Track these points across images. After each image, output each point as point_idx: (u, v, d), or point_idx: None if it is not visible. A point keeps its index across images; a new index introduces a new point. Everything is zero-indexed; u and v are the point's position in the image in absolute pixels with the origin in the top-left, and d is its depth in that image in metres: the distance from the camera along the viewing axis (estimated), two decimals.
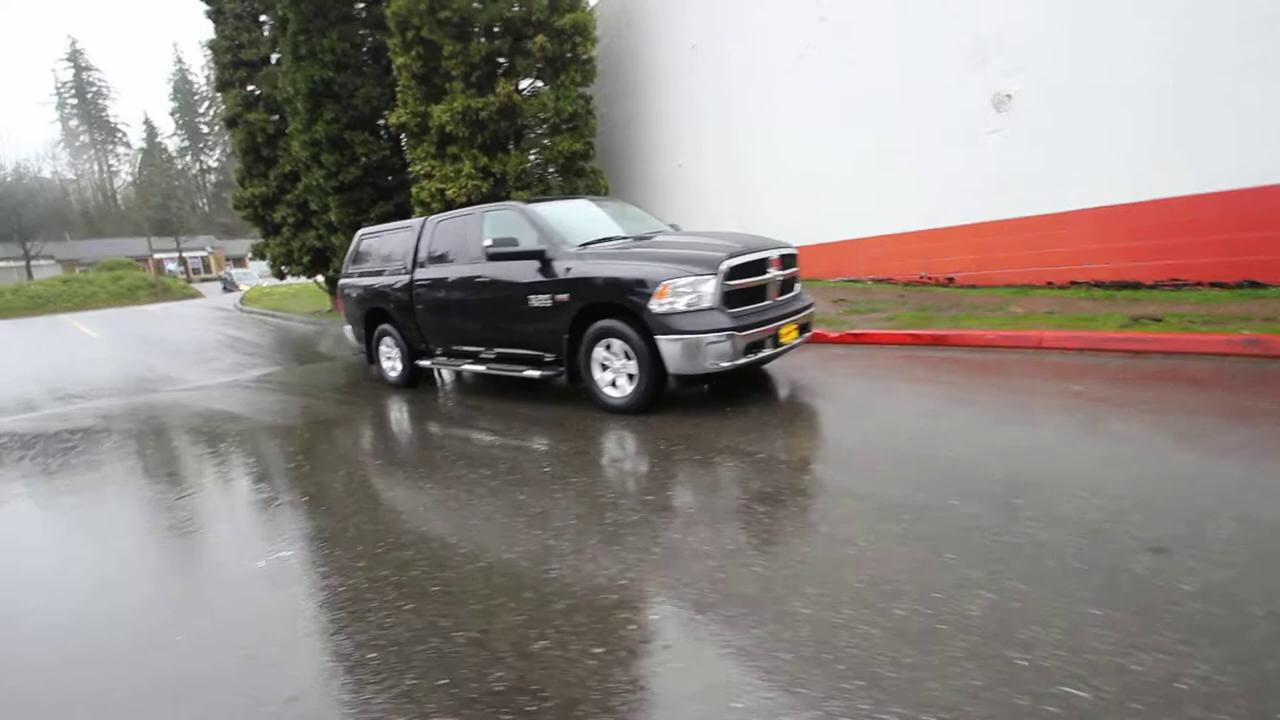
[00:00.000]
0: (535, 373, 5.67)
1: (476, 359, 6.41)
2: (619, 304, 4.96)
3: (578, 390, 6.02)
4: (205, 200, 70.73)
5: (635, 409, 5.02)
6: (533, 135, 12.97)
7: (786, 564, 2.48)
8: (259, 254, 18.51)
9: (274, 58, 16.71)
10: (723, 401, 5.11)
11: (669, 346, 4.69)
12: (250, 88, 16.91)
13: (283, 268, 17.64)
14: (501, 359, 6.15)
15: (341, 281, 7.98)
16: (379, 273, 7.32)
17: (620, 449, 4.28)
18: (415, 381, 7.30)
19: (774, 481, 3.34)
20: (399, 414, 6.08)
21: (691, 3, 12.35)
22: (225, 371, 10.18)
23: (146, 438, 5.95)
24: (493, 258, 5.55)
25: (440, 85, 12.79)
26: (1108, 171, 7.05)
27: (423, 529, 3.16)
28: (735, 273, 4.80)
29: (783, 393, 5.29)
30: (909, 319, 7.32)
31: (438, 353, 6.87)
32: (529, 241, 5.53)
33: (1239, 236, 6.23)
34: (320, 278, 18.34)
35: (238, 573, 2.88)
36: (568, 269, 5.24)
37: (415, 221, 7.04)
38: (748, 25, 11.09)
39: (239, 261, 53.40)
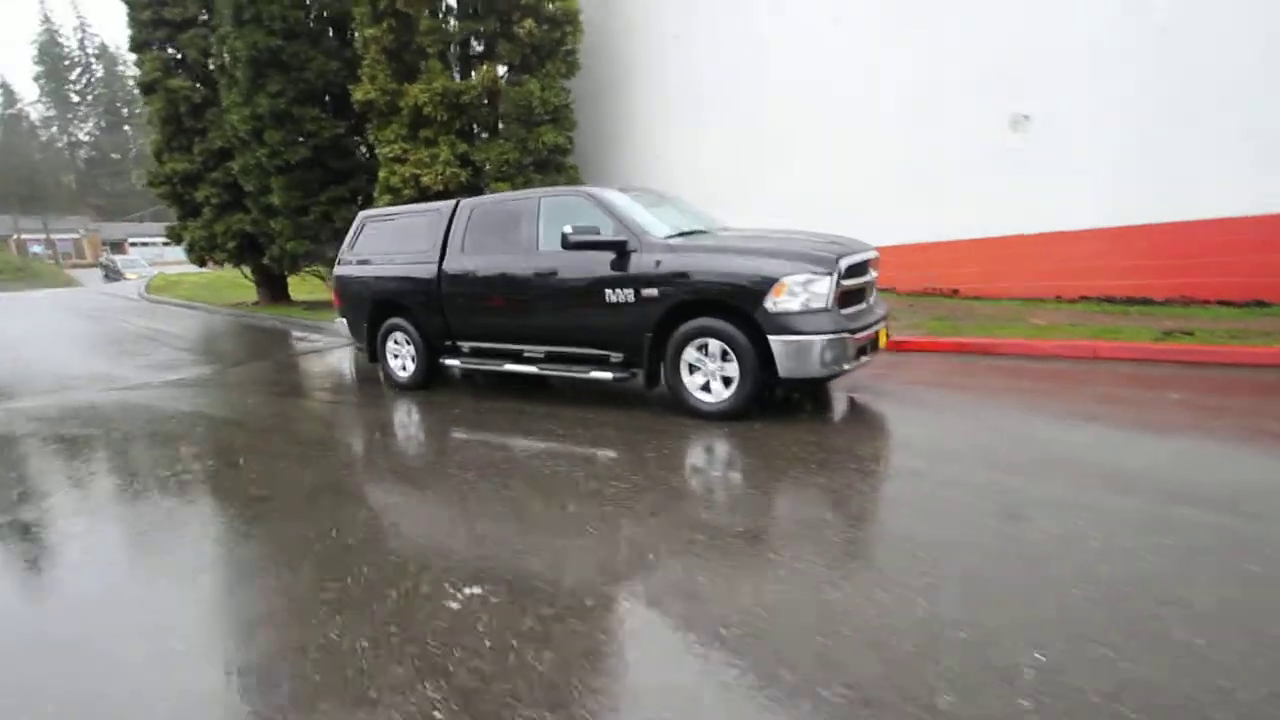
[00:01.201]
0: (606, 374, 5.18)
1: (520, 358, 5.83)
2: (723, 301, 4.61)
3: (620, 392, 5.59)
4: (73, 178, 63.02)
5: (731, 415, 4.65)
6: (510, 125, 12.28)
7: (1098, 580, 2.24)
8: (174, 237, 16.49)
9: (203, 17, 14.97)
10: (804, 410, 4.86)
11: (784, 348, 4.38)
12: (172, 50, 15.05)
13: (204, 254, 15.79)
14: (554, 358, 5.61)
15: (338, 271, 7.08)
16: (391, 260, 6.54)
17: (758, 459, 3.89)
18: (430, 383, 6.56)
19: (975, 492, 3.10)
20: (443, 420, 5.39)
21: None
22: (164, 368, 8.83)
23: (136, 446, 4.94)
24: (573, 247, 5.01)
25: (412, 63, 11.88)
26: (1120, 194, 7.44)
27: (629, 555, 2.67)
28: (848, 273, 4.58)
29: (866, 399, 5.09)
30: (935, 328, 7.38)
31: (466, 350, 6.19)
32: (606, 232, 5.06)
33: (1246, 259, 6.73)
34: (248, 267, 16.58)
35: (437, 618, 2.28)
36: (657, 262, 4.81)
37: (443, 205, 6.34)
38: (748, 20, 10.99)
39: (118, 246, 47.89)
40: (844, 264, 4.53)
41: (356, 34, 11.99)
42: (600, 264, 5.06)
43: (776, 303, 4.40)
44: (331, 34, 13.84)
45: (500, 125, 12.47)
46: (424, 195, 11.39)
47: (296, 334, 12.18)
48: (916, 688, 1.79)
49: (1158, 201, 7.21)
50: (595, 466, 3.82)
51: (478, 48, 12.45)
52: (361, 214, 7.12)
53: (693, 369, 4.81)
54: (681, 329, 4.76)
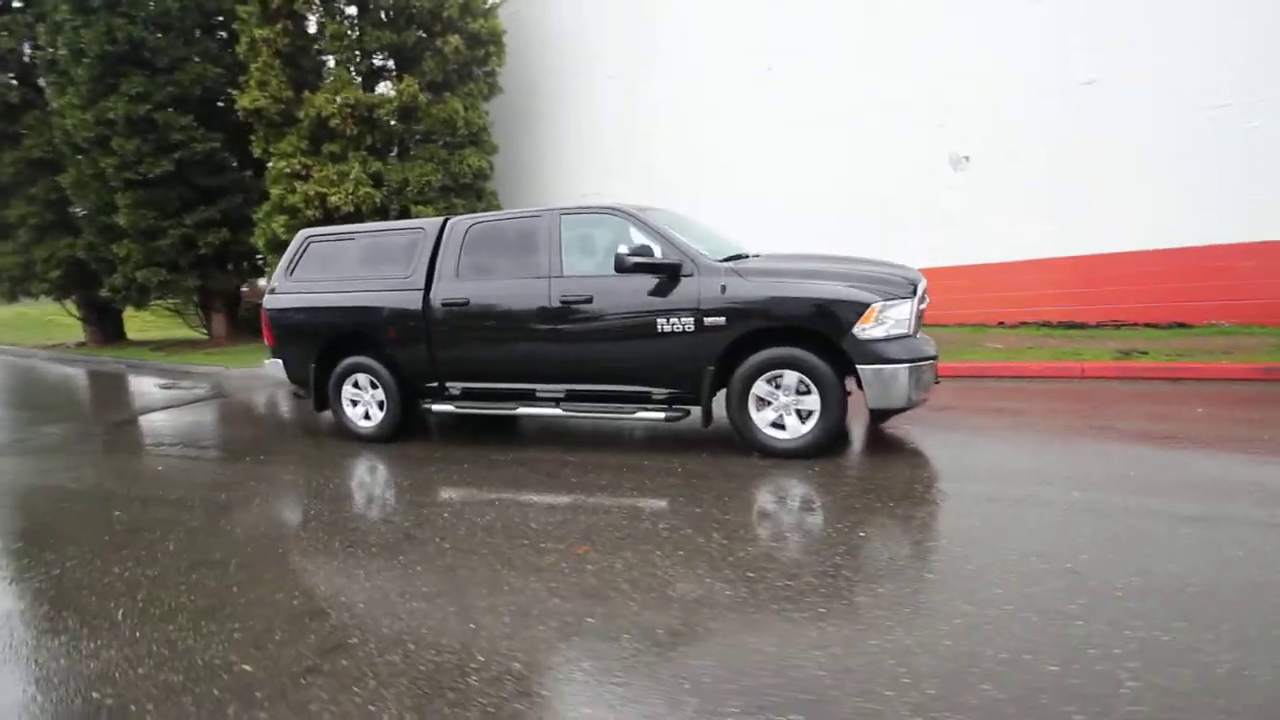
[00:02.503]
0: (656, 414, 4.55)
1: (533, 398, 5.02)
2: (802, 329, 4.22)
3: (636, 432, 5.00)
4: None
5: (809, 452, 4.23)
6: (428, 146, 11.24)
7: None
8: None
9: (18, 4, 12.33)
10: (862, 444, 4.59)
11: (876, 376, 4.06)
12: None
13: (15, 285, 12.75)
14: (578, 397, 4.88)
15: (272, 301, 5.79)
16: (353, 287, 5.45)
17: (899, 500, 3.45)
18: (401, 433, 5.50)
19: (1181, 524, 2.91)
20: (467, 480, 4.39)
21: (612, 31, 11.90)
22: None
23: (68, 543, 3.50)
24: (631, 270, 4.38)
25: (311, 69, 10.56)
26: (1054, 228, 8.15)
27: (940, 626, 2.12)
28: (921, 296, 4.41)
29: (914, 431, 4.85)
30: None
31: (455, 393, 5.25)
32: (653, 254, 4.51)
33: (1166, 286, 7.58)
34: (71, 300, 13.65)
35: None
36: (722, 287, 4.32)
37: (426, 222, 5.41)
38: (683, 62, 10.97)
39: None
40: (921, 287, 4.36)
41: (242, 35, 10.39)
42: (645, 290, 4.49)
43: (865, 329, 4.08)
44: (200, 34, 11.96)
45: (410, 145, 11.39)
46: (330, 216, 10.02)
47: (158, 380, 10.09)
48: None
49: (1085, 235, 7.98)
50: (731, 526, 3.18)
51: (379, 61, 11.31)
52: (303, 233, 5.93)
53: (763, 403, 4.35)
54: (752, 360, 4.28)
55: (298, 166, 10.00)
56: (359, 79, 10.72)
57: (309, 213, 9.90)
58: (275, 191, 10.18)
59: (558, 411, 4.87)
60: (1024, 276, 8.46)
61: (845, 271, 4.40)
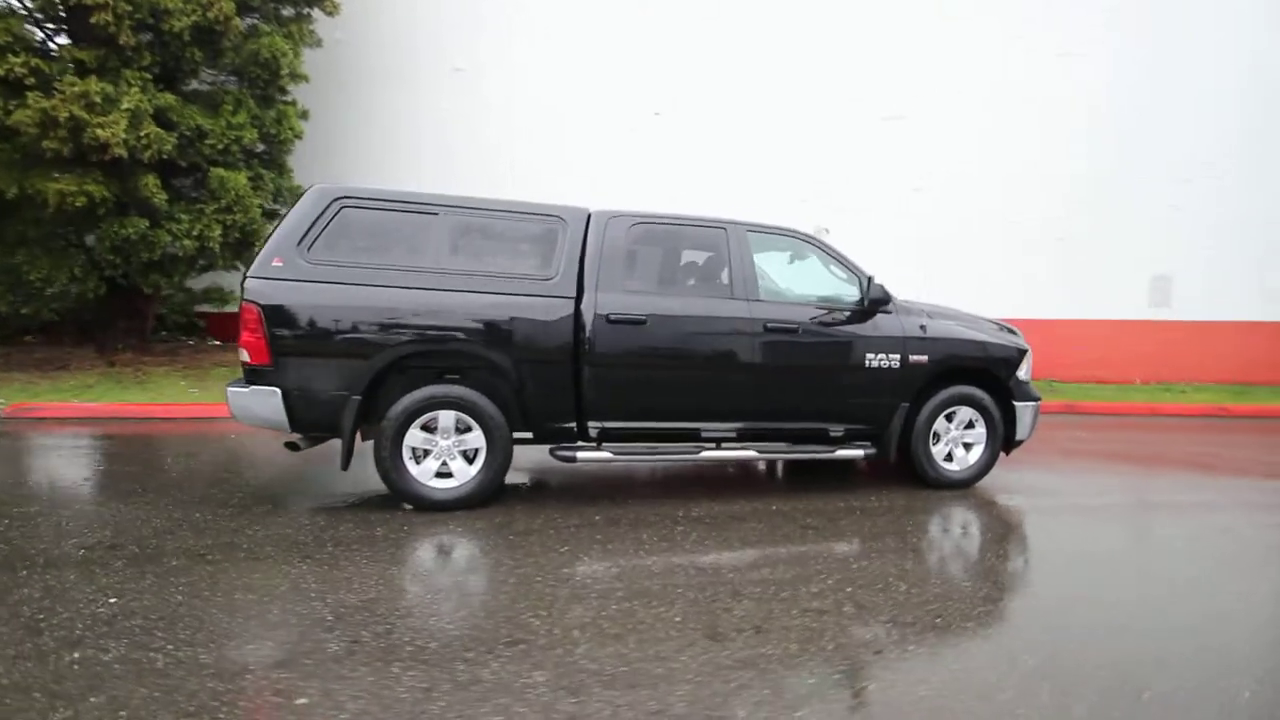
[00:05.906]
0: (855, 452, 4.42)
1: (696, 439, 4.27)
2: (980, 369, 4.67)
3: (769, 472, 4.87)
4: None
5: (972, 482, 4.71)
6: (234, 91, 8.23)
7: None
8: None
9: None
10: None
11: (1025, 413, 4.75)
12: None
13: None
14: (752, 436, 4.37)
15: (274, 290, 3.60)
16: (445, 285, 3.82)
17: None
18: (495, 495, 4.02)
19: None
20: (738, 540, 3.48)
21: (463, 18, 10.51)
22: None
23: None
24: (876, 299, 4.22)
25: None
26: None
27: None
28: None
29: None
30: None
31: (593, 434, 4.11)
32: (850, 287, 4.44)
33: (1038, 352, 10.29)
34: None
35: None
36: (922, 326, 4.50)
37: (560, 209, 4.09)
38: (552, 80, 10.37)
39: None
40: None
41: None
42: (850, 322, 4.40)
43: (1022, 371, 4.78)
44: None
45: (197, 82, 8.14)
46: (83, 156, 6.47)
47: None
48: None
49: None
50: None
51: None
52: (325, 190, 3.88)
53: (936, 437, 4.64)
54: (939, 396, 4.55)
55: (21, 70, 6.13)
56: None
57: (47, 145, 6.16)
58: None
59: (752, 454, 4.30)
60: None
61: (972, 317, 5.04)
